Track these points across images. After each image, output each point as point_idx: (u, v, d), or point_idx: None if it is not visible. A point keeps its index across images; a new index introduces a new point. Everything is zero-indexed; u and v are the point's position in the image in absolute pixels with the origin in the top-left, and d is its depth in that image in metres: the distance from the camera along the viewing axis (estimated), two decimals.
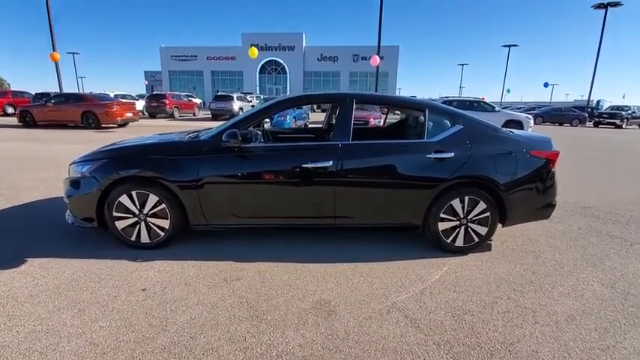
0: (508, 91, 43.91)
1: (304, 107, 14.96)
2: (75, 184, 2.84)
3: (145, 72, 54.32)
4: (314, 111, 27.97)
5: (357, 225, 3.00)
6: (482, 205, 2.87)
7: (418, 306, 2.20)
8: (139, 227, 2.82)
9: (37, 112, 13.67)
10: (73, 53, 51.15)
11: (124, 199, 2.74)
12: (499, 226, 3.01)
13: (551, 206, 3.06)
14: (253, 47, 20.96)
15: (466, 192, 2.85)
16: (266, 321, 2.00)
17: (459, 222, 2.91)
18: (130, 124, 14.82)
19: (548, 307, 2.24)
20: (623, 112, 26.07)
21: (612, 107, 30.09)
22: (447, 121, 3.01)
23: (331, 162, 2.73)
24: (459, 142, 2.86)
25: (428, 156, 2.80)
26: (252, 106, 16.83)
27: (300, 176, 2.77)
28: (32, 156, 7.39)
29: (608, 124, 25.23)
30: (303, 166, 2.73)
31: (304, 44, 44.18)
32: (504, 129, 3.12)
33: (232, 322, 1.98)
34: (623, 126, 25.03)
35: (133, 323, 1.95)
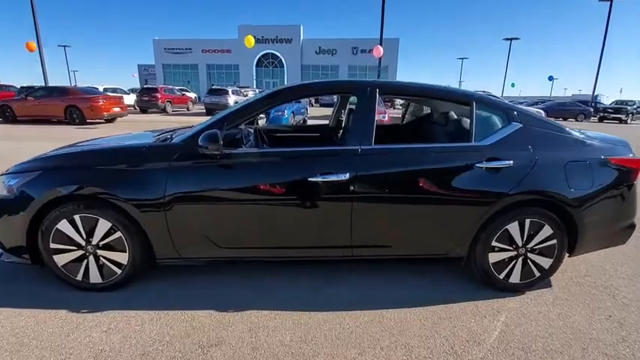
0: (512, 85, 43.14)
1: (303, 101, 14.13)
2: (1, 203, 2.09)
3: (139, 65, 52.93)
4: (312, 105, 27.08)
5: (379, 257, 2.28)
6: (547, 230, 2.16)
7: None
8: (87, 263, 2.08)
9: (17, 107, 12.78)
10: (64, 46, 49.69)
11: (63, 225, 2.00)
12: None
13: (632, 228, 2.35)
14: (249, 36, 19.89)
15: (527, 213, 2.13)
16: None
17: (515, 252, 2.20)
18: (118, 119, 13.97)
19: None
20: (628, 107, 25.45)
21: (617, 102, 29.46)
22: (499, 118, 2.28)
23: (347, 174, 2.00)
24: (518, 146, 2.14)
25: (478, 165, 2.07)
26: None
27: (304, 193, 2.04)
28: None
29: (613, 119, 24.63)
30: (310, 179, 2.00)
31: (302, 37, 43.06)
32: (571, 128, 2.39)
33: None
34: (628, 121, 24.42)
35: None
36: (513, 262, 2.22)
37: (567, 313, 2.10)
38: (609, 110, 25.53)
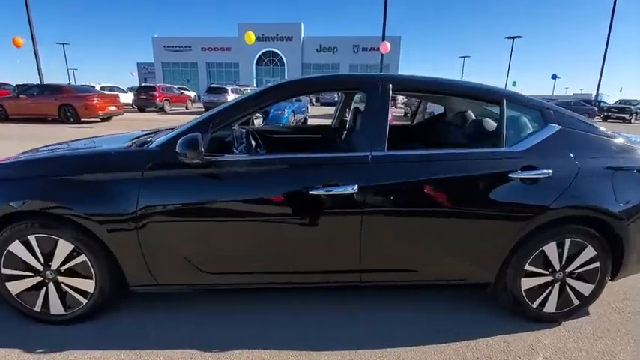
0: (514, 83, 42.81)
1: (303, 99, 13.77)
2: None
3: (138, 63, 52.42)
4: (312, 104, 26.67)
5: (391, 283, 1.95)
6: (589, 252, 1.84)
7: None
8: (46, 291, 1.76)
9: (9, 105, 12.43)
10: (63, 44, 49.20)
11: (16, 247, 1.67)
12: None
13: None
14: (250, 32, 19.53)
15: (568, 231, 1.81)
16: None
17: (552, 277, 1.88)
18: (115, 118, 13.64)
19: None
20: (632, 106, 25.13)
21: (621, 101, 29.11)
22: (534, 119, 1.96)
23: (356, 186, 1.67)
24: (557, 152, 1.81)
25: (512, 175, 1.74)
26: None
27: (304, 209, 1.72)
28: None
29: (617, 118, 24.32)
30: (311, 193, 1.67)
31: (302, 35, 42.65)
32: (611, 131, 2.06)
33: None
34: (632, 120, 24.11)
35: None
36: (549, 289, 1.90)
37: (612, 349, 1.78)
38: (613, 109, 25.25)
